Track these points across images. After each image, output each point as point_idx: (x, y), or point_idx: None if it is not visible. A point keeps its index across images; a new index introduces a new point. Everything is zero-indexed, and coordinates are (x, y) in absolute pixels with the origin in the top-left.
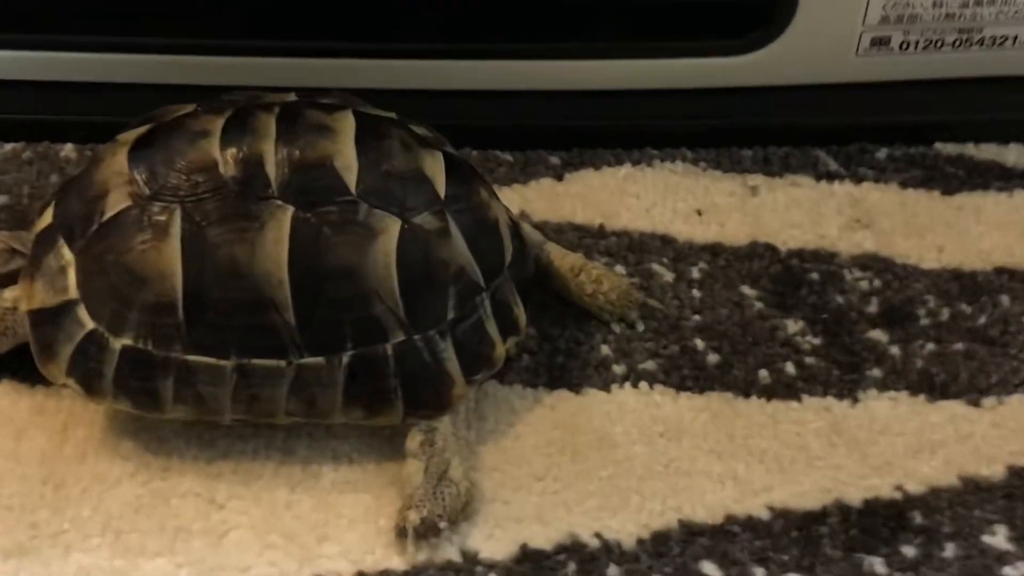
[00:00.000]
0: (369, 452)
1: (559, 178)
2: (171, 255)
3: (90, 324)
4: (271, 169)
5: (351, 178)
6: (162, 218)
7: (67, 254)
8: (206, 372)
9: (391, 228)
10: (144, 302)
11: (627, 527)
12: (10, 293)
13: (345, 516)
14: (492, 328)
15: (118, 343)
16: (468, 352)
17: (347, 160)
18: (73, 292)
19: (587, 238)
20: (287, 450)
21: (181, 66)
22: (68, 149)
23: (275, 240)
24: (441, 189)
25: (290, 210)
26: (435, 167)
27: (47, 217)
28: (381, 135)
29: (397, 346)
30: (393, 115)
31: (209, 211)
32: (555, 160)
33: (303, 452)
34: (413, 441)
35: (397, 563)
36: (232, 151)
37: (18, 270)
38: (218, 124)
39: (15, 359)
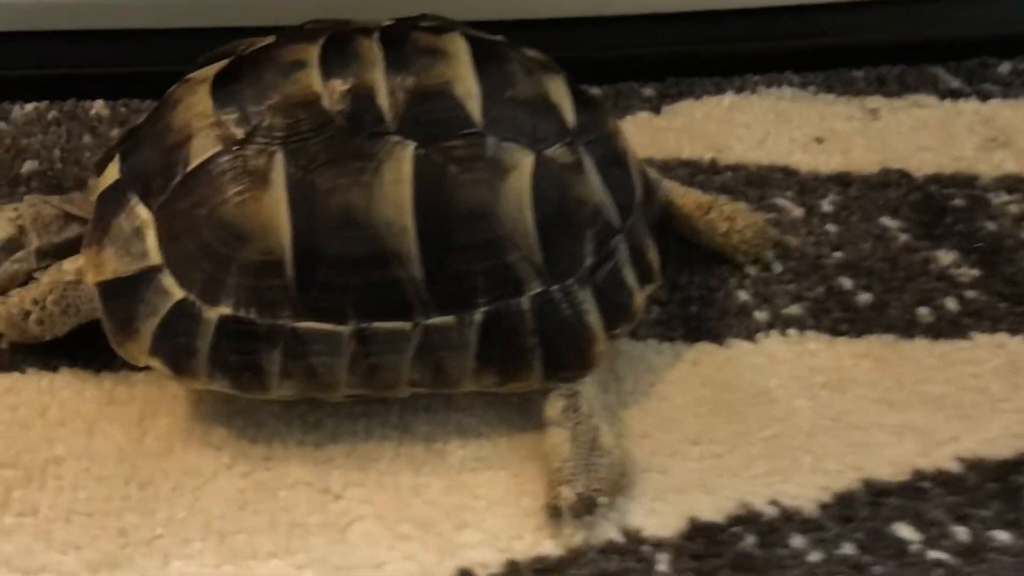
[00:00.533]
0: (498, 424)
1: (656, 111)
2: (275, 206)
3: (178, 293)
4: (383, 100)
5: (474, 107)
6: (261, 163)
7: (143, 213)
8: (320, 340)
9: (523, 163)
10: (245, 263)
11: (805, 491)
12: (71, 264)
13: (482, 498)
14: (629, 275)
15: (214, 313)
16: (608, 302)
17: (467, 87)
18: (154, 257)
19: (699, 175)
20: (405, 427)
21: (221, 5)
22: (99, 106)
23: (395, 182)
24: (569, 117)
25: (410, 146)
26: (560, 93)
27: (111, 173)
28: (500, 58)
29: (534, 299)
30: (502, 38)
31: (315, 152)
32: (649, 92)
33: (423, 429)
34: (554, 408)
35: (551, 548)
36: (336, 82)
37: (76, 238)
38: (313, 53)
39: (74, 343)
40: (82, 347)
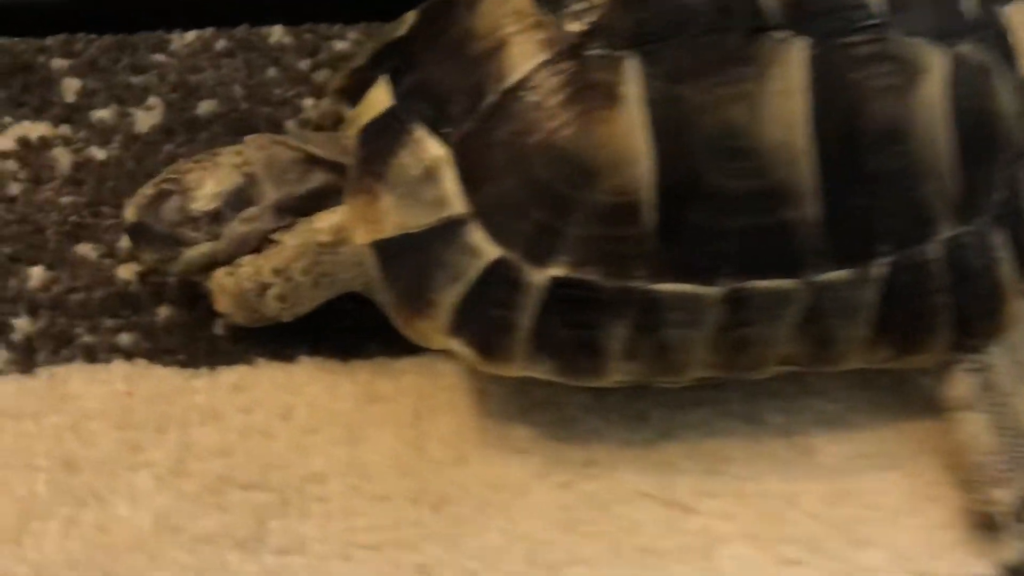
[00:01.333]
0: (871, 410)
1: None
2: (630, 129)
3: (492, 251)
4: None
5: None
6: (606, 75)
7: (435, 148)
8: (680, 307)
9: (936, 64)
10: (591, 206)
11: None
12: (325, 220)
13: (877, 507)
14: None
15: (542, 275)
16: (1021, 247)
17: None
18: (456, 204)
19: None
20: (752, 417)
21: None
22: (277, 32)
23: (784, 92)
24: (969, 4)
25: (801, 45)
26: None
27: (378, 99)
28: None
29: (946, 244)
30: None
31: (678, 57)
32: None
33: (777, 419)
34: (961, 386)
35: (984, 569)
36: None
37: (324, 188)
38: None
39: (309, 324)
40: (322, 329)
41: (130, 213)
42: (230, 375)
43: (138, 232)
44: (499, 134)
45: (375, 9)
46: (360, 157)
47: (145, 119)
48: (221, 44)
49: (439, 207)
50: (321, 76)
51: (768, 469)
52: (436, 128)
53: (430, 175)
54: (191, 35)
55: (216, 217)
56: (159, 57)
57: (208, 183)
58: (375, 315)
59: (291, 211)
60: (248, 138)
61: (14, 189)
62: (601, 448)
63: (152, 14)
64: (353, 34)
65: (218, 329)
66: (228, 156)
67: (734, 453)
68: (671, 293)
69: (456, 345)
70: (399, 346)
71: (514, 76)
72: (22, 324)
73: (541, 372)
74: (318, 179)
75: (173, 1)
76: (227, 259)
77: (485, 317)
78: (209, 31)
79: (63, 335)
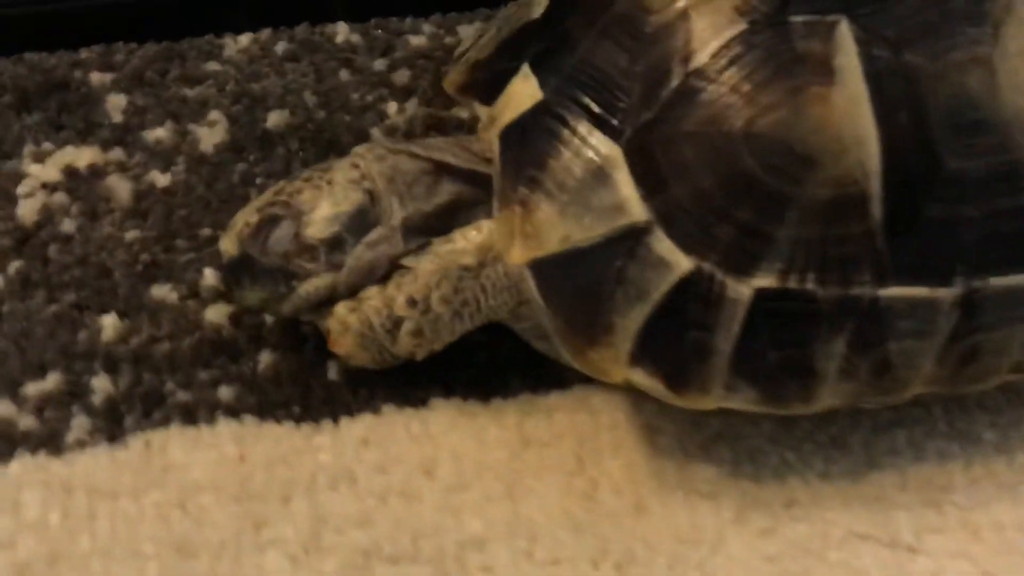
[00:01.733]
0: None
1: None
2: (850, 107)
3: (684, 263)
4: None
5: None
6: (816, 44)
7: (603, 145)
8: (909, 314)
9: None
10: (806, 202)
11: None
12: (468, 240)
13: None
14: None
15: (745, 288)
16: None
17: None
18: (636, 211)
19: None
20: (963, 435)
21: None
22: (343, 31)
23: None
24: None
25: None
26: None
27: (522, 93)
28: None
29: None
30: None
31: (899, 19)
32: None
33: (988, 436)
34: None
35: None
36: None
37: (457, 201)
38: None
39: (440, 362)
40: (454, 366)
41: (230, 245)
42: (356, 427)
43: (242, 267)
44: (686, 124)
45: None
46: (508, 162)
47: (208, 136)
48: (282, 47)
49: (614, 214)
50: (400, 77)
51: (994, 495)
52: (603, 122)
53: (600, 177)
54: (245, 39)
55: (336, 243)
56: (213, 65)
57: (323, 204)
58: (512, 344)
59: (421, 231)
60: (361, 148)
61: (68, 226)
62: (800, 485)
63: (196, 17)
64: (429, 27)
65: (333, 374)
66: (343, 171)
67: (952, 480)
68: (900, 298)
69: (640, 377)
70: (545, 380)
71: (702, 53)
72: (102, 384)
73: (739, 402)
74: (450, 191)
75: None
76: (348, 292)
77: (676, 341)
78: (266, 33)
79: (152, 394)
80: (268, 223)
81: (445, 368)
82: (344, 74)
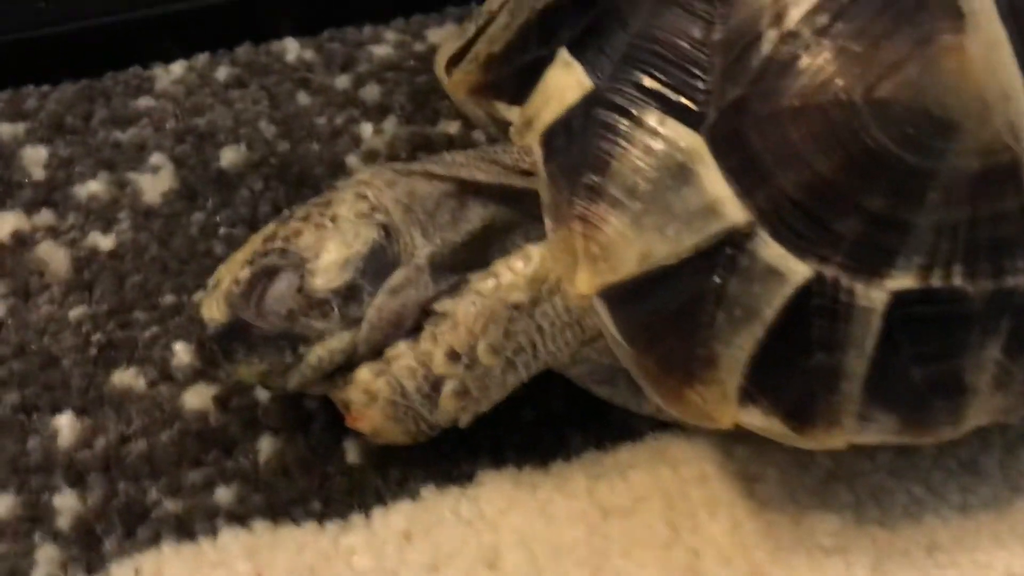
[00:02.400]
0: None
1: None
2: (990, 56)
3: (801, 270)
4: None
5: None
6: None
7: (682, 135)
8: None
9: None
10: (949, 177)
11: None
12: (515, 272)
13: None
14: None
15: (880, 292)
16: None
17: None
18: (732, 211)
19: None
20: None
21: None
22: (293, 48)
23: None
24: None
25: None
26: None
27: (567, 82)
28: None
29: None
30: None
31: None
32: None
33: None
34: None
35: None
36: None
37: (493, 227)
38: None
39: (481, 426)
40: (498, 429)
41: (215, 311)
42: (393, 519)
43: (234, 336)
44: (787, 97)
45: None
46: (556, 170)
47: (153, 185)
48: (223, 72)
49: (705, 220)
50: (370, 93)
51: None
52: (677, 107)
53: (681, 176)
54: (178, 67)
55: (351, 294)
56: (145, 101)
57: (330, 247)
58: (563, 393)
59: (451, 267)
60: (364, 175)
61: None
62: (938, 524)
63: (115, 49)
64: (392, 34)
65: (352, 456)
66: (348, 204)
67: None
68: None
69: (753, 417)
70: (610, 432)
71: (797, 8)
72: (67, 502)
73: (875, 434)
74: (480, 215)
75: (139, 26)
76: (370, 353)
77: (797, 368)
78: (202, 58)
79: (133, 507)
80: (263, 277)
81: (488, 432)
82: (303, 96)
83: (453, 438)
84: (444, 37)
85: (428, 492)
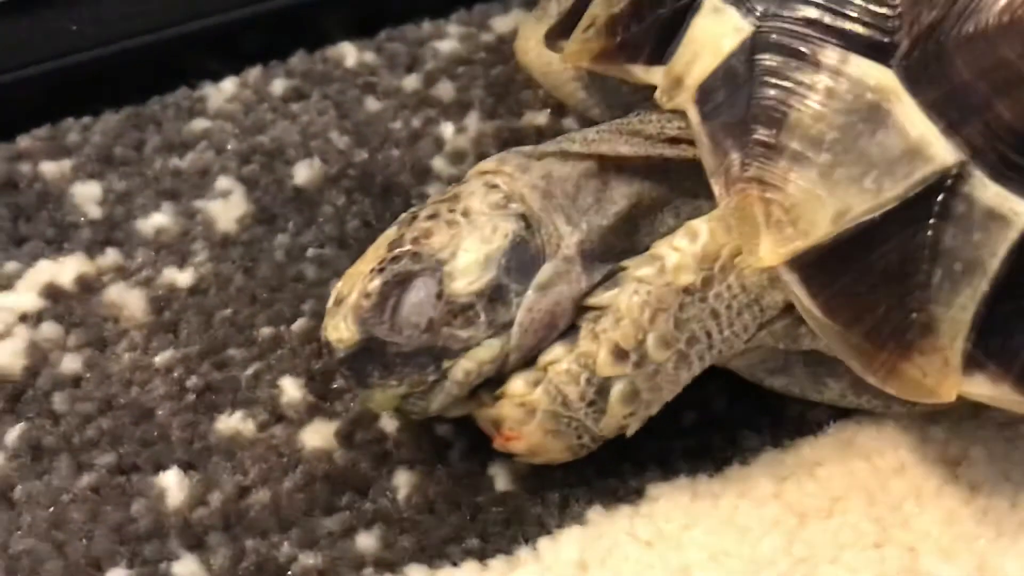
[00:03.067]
0: None
1: None
2: None
3: None
4: None
5: None
6: None
7: (872, 72)
8: None
9: None
10: None
11: None
12: (681, 252)
13: None
14: None
15: None
16: None
17: None
18: (940, 152)
19: None
20: None
21: None
22: (351, 51)
23: None
24: None
25: None
26: None
27: (719, 30)
28: None
29: None
30: None
31: None
32: None
33: None
34: None
35: None
36: None
37: (642, 205)
38: None
39: (644, 437)
40: (652, 436)
41: (344, 331)
42: (564, 548)
43: (366, 358)
44: (997, 12)
45: None
46: (718, 130)
47: (225, 211)
48: (280, 85)
49: (910, 164)
50: (443, 91)
51: None
52: (860, 40)
53: (875, 117)
54: (230, 84)
55: (496, 295)
56: (200, 123)
57: (466, 244)
58: (719, 389)
59: (602, 255)
60: (490, 163)
61: (71, 364)
62: None
63: (159, 71)
64: (454, 28)
65: (502, 483)
66: (478, 195)
67: None
68: None
69: (980, 385)
70: (786, 427)
71: None
72: (188, 570)
73: None
74: (626, 194)
75: (180, 44)
76: (521, 361)
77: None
78: (254, 72)
79: (266, 567)
80: (396, 286)
81: (650, 442)
82: (371, 102)
83: (612, 452)
84: (515, 23)
85: (596, 515)
